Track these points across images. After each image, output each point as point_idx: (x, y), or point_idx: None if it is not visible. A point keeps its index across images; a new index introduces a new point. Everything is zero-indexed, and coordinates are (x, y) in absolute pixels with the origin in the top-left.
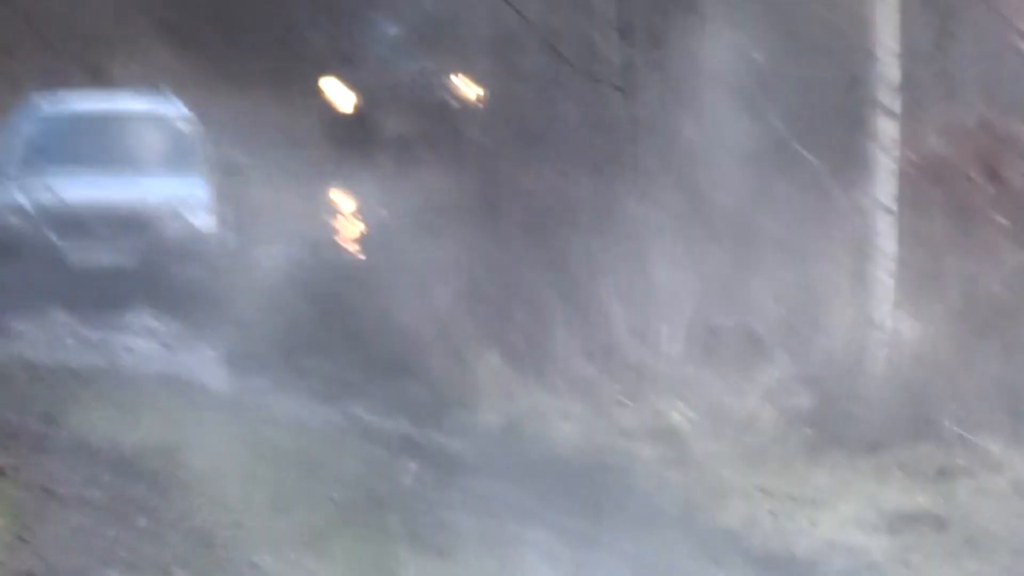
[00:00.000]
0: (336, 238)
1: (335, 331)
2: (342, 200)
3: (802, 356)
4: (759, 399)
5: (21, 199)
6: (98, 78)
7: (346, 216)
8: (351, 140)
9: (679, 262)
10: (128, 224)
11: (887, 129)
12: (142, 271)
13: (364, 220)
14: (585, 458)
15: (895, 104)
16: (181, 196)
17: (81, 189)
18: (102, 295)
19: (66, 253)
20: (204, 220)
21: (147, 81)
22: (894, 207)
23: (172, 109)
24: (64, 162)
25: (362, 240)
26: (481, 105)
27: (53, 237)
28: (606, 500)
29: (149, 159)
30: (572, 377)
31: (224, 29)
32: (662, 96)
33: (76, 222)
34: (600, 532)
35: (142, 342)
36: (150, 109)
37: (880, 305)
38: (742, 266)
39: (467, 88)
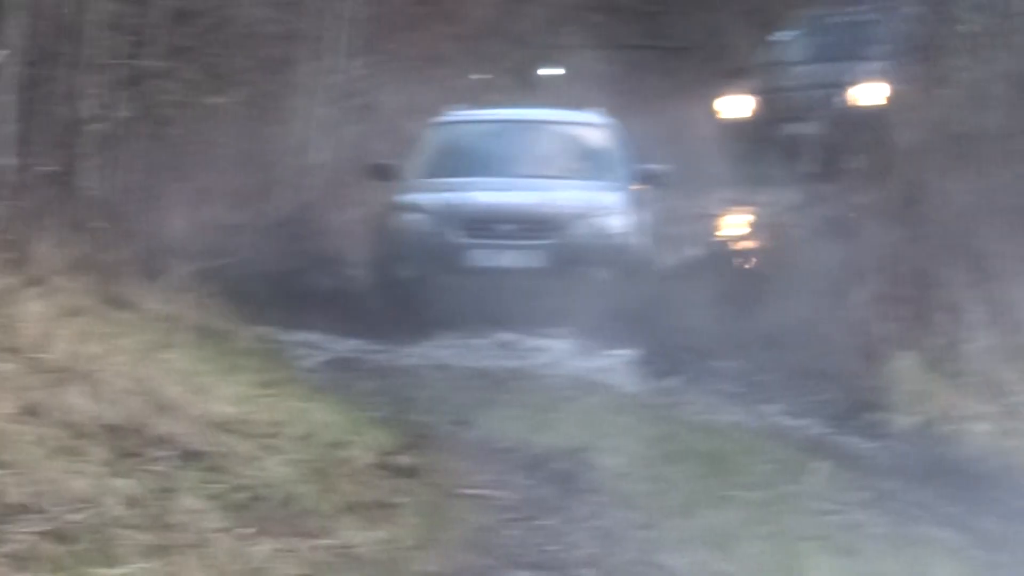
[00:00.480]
0: (751, 241)
1: (747, 334)
2: (754, 204)
3: None
4: None
5: (431, 201)
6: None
7: (759, 219)
8: (758, 144)
9: None
10: (544, 226)
11: None
12: (555, 272)
13: (777, 223)
14: (997, 459)
15: None
16: (598, 201)
17: (497, 192)
18: (514, 296)
19: (478, 254)
20: (618, 224)
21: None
22: None
23: (597, 117)
24: (480, 167)
25: (776, 243)
26: (897, 107)
27: (465, 238)
28: (1017, 501)
29: (570, 165)
30: (987, 379)
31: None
32: None
33: (490, 223)
34: (1009, 533)
35: (554, 343)
36: (575, 117)
37: None
38: None
39: (881, 92)
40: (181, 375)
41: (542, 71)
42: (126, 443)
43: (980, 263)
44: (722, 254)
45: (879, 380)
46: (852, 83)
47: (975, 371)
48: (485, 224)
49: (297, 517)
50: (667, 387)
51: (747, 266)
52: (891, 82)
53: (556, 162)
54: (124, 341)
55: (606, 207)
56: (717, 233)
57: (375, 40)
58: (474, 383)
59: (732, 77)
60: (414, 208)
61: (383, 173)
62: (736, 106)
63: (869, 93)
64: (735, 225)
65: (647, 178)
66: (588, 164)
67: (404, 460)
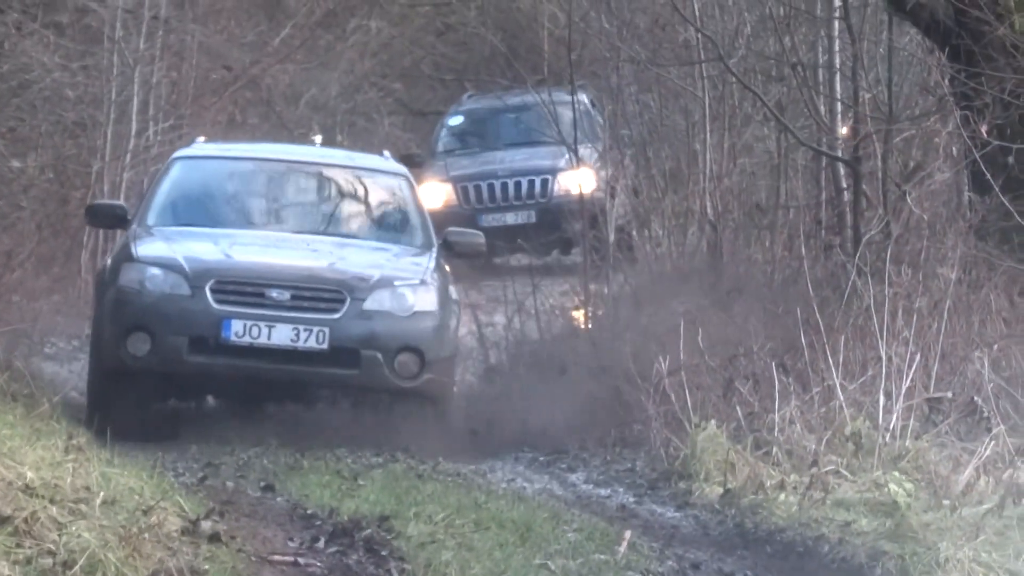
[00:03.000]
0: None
1: (553, 405)
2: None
3: (1022, 429)
4: (976, 471)
5: (174, 254)
6: None
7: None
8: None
9: (900, 335)
10: (331, 294)
11: None
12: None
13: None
14: (802, 530)
15: None
16: (399, 267)
17: (266, 248)
18: (287, 387)
19: (238, 326)
20: (425, 299)
21: None
22: None
23: (387, 163)
24: (241, 215)
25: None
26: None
27: (221, 304)
28: (821, 572)
29: (359, 219)
30: (792, 449)
31: None
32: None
33: (259, 287)
34: None
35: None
36: (362, 160)
37: None
38: (962, 338)
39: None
40: None
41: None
42: None
43: (786, 332)
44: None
45: (684, 449)
46: (560, 170)
47: (780, 441)
48: (251, 288)
49: None
50: (473, 456)
51: (545, 340)
52: (603, 168)
53: (342, 215)
54: None
55: (409, 275)
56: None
57: (177, 104)
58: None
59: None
60: (150, 262)
61: (108, 217)
62: (431, 194)
63: (580, 179)
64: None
65: (451, 245)
66: (381, 220)
67: (212, 526)
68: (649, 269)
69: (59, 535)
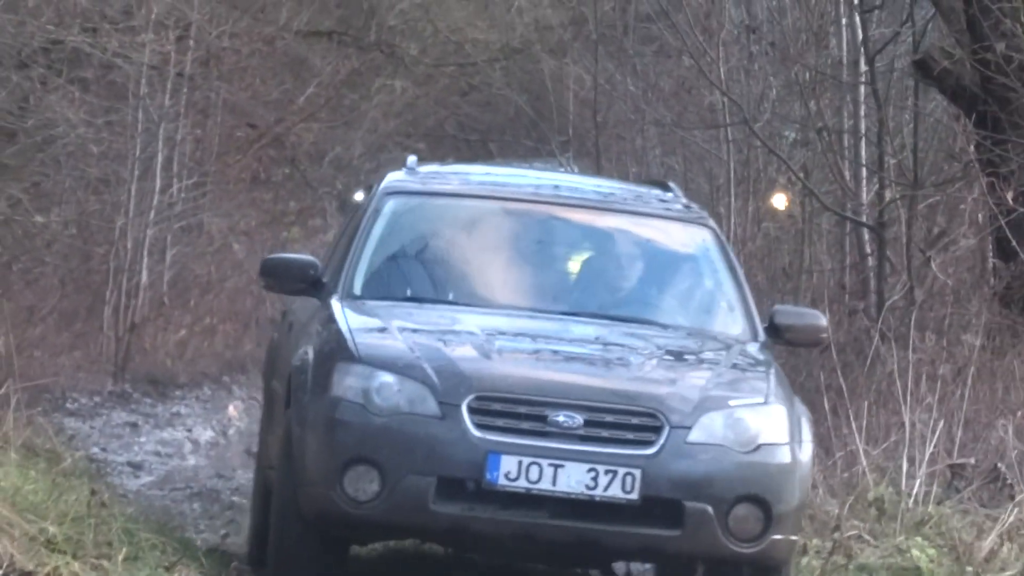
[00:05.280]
0: None
1: None
2: None
3: None
4: (999, 537)
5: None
6: None
7: None
8: None
9: (923, 401)
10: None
11: None
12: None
13: None
14: None
15: None
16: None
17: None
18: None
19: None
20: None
21: None
22: None
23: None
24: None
25: None
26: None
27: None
28: None
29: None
30: (814, 513)
31: None
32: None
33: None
34: None
35: None
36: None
37: None
38: (985, 404)
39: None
40: (8, 494)
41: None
42: None
43: (809, 396)
44: None
45: None
46: None
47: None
48: (528, 409)
49: None
50: None
51: None
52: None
53: (636, 289)
54: None
55: (747, 388)
56: None
57: (202, 161)
58: None
59: None
60: (378, 364)
61: (296, 279)
62: None
63: None
64: None
65: (780, 332)
66: (686, 296)
67: None
68: None
69: None
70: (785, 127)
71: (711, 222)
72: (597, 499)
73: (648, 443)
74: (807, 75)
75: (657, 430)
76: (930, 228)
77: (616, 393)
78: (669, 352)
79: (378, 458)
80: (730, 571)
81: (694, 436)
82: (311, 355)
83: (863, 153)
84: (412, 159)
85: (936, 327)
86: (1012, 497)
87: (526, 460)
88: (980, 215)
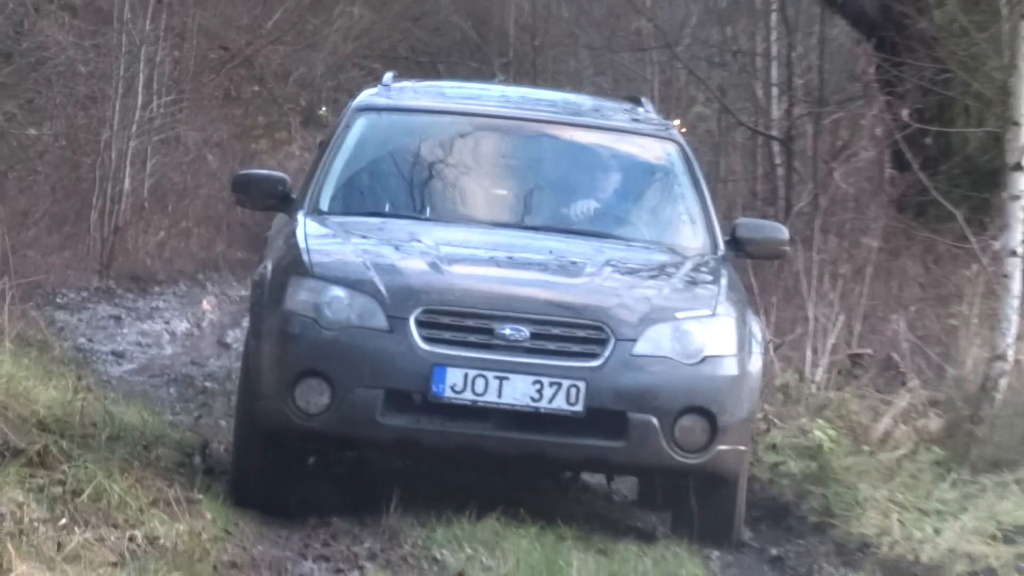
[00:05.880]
0: None
1: None
2: None
3: (934, 383)
4: (893, 420)
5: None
6: None
7: None
8: None
9: (825, 296)
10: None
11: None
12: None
13: None
14: None
15: None
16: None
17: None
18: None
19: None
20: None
21: None
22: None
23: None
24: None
25: None
26: None
27: (428, 344)
28: (754, 508)
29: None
30: None
31: None
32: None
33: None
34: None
35: None
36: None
37: (1004, 339)
38: (881, 300)
39: None
40: (3, 380)
41: (323, 110)
42: None
43: None
44: None
45: None
46: None
47: None
48: (475, 321)
49: (109, 510)
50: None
51: None
52: None
53: (594, 203)
54: None
55: (695, 301)
56: None
57: (179, 80)
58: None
59: None
60: (330, 278)
61: (265, 195)
62: None
63: None
64: None
65: (742, 244)
66: (646, 210)
67: (205, 460)
68: None
69: (68, 466)
70: (703, 50)
71: (678, 135)
72: (542, 411)
73: (593, 355)
74: (723, 2)
75: (603, 343)
76: (833, 141)
77: (563, 306)
78: (623, 266)
79: (328, 371)
80: (675, 481)
81: (640, 348)
82: (269, 269)
83: (774, 74)
84: (389, 75)
85: (838, 230)
86: (904, 384)
87: (472, 373)
88: (878, 130)
